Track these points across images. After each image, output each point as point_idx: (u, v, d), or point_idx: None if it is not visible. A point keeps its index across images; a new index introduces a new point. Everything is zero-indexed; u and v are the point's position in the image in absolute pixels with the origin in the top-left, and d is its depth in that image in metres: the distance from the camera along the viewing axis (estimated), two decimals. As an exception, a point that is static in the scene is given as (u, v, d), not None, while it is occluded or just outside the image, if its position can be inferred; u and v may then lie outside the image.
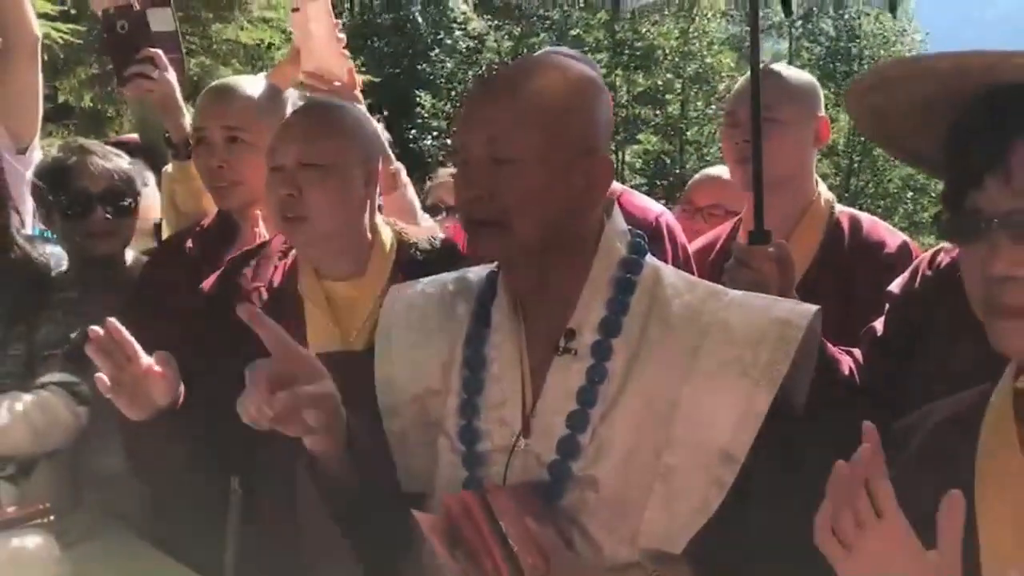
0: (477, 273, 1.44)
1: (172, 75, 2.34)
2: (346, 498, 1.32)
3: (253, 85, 2.19)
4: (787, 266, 1.78)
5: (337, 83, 2.23)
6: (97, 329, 1.55)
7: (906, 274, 1.91)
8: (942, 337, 1.77)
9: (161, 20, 2.36)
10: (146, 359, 1.57)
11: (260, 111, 2.12)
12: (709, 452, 1.22)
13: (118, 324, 1.56)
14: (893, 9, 2.57)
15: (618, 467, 1.24)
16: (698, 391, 1.23)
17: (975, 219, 0.96)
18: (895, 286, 1.91)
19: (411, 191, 2.41)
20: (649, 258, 1.35)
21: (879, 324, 1.89)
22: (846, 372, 1.82)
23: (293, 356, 1.24)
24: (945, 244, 1.96)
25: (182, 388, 1.62)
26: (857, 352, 1.87)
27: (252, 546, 1.76)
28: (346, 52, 2.27)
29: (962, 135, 1.00)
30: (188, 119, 2.36)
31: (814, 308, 1.28)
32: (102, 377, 1.55)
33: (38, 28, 2.51)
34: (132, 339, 1.57)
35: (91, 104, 9.67)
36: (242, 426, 1.65)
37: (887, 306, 1.90)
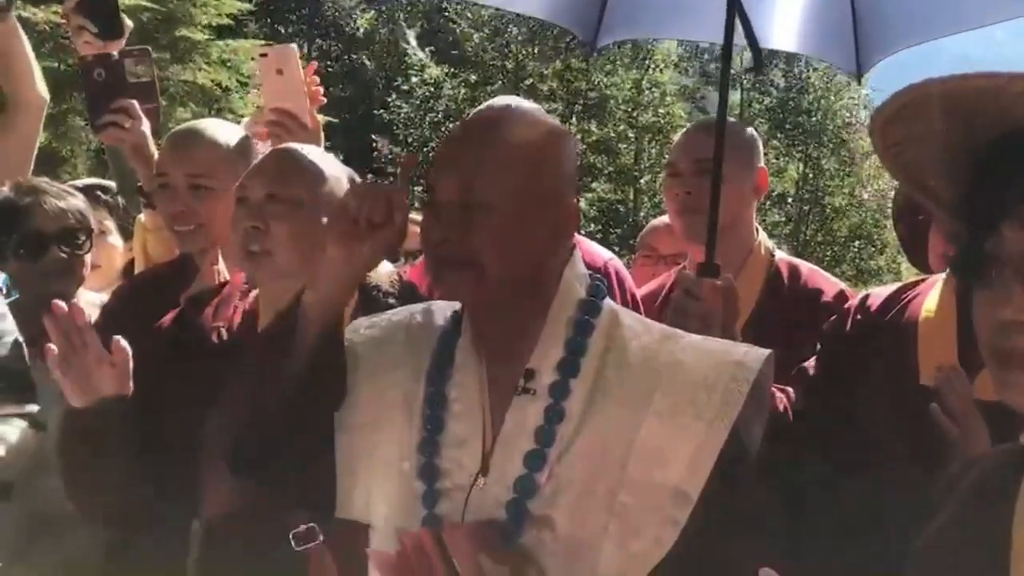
0: (442, 309, 1.46)
1: (146, 125, 2.35)
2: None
3: (216, 130, 2.19)
4: (732, 300, 1.83)
5: (302, 122, 2.23)
6: (61, 304, 1.55)
7: (838, 316, 1.98)
8: (870, 376, 1.83)
9: (138, 70, 2.38)
10: (101, 350, 1.59)
11: (223, 156, 2.12)
12: (663, 491, 1.24)
13: (81, 307, 1.57)
14: (860, 76, 2.66)
15: (574, 506, 1.26)
16: (653, 431, 1.26)
17: (988, 263, 0.94)
18: (828, 327, 1.98)
19: None
20: (607, 301, 1.38)
21: (811, 363, 1.95)
22: (780, 408, 1.88)
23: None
24: (874, 288, 2.04)
25: (131, 383, 1.64)
26: (790, 390, 1.92)
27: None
28: (317, 96, 2.28)
29: (977, 179, 0.98)
30: None
31: (766, 352, 1.32)
32: (52, 348, 1.56)
33: (46, 91, 2.62)
34: (91, 327, 1.59)
35: (45, 143, 9.58)
36: (201, 464, 1.64)
37: (819, 346, 1.96)
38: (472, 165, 1.30)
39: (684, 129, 2.49)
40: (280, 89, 2.23)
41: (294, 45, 2.34)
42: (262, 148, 2.16)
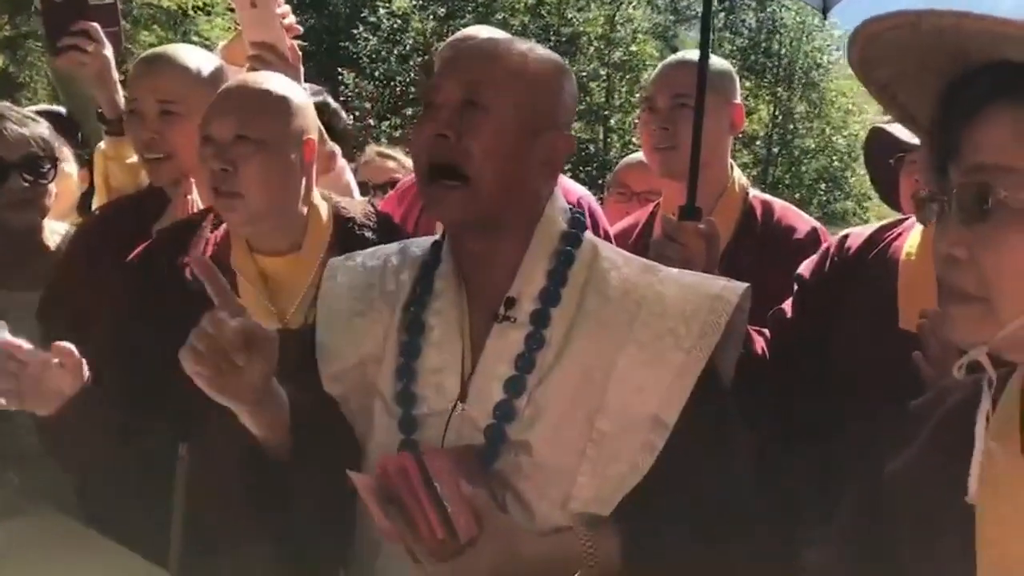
0: (420, 245, 1.47)
1: (108, 49, 2.27)
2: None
3: (187, 54, 2.14)
4: (714, 243, 1.83)
5: (282, 55, 2.18)
6: None
7: (816, 257, 1.98)
8: (848, 319, 1.84)
9: None
10: (42, 356, 1.54)
11: (194, 82, 2.07)
12: (640, 418, 1.27)
13: (3, 334, 1.52)
14: (825, 11, 2.61)
15: (552, 432, 1.28)
16: (632, 360, 1.28)
17: (939, 201, 0.96)
18: (804, 268, 1.97)
19: (349, 173, 2.40)
20: (587, 233, 1.39)
21: (787, 305, 1.95)
22: (758, 351, 1.89)
23: (237, 311, 1.26)
24: (853, 229, 2.05)
25: (87, 373, 1.59)
26: (767, 332, 1.93)
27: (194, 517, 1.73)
28: (292, 26, 2.22)
29: (936, 121, 1.00)
30: (123, 95, 2.30)
31: (744, 285, 1.34)
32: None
33: None
34: (20, 342, 1.53)
35: (4, 67, 9.32)
36: (169, 394, 1.63)
37: (795, 287, 1.96)
38: (478, 69, 1.32)
39: (660, 64, 2.44)
40: (257, 21, 2.17)
41: None
42: (234, 76, 2.11)
